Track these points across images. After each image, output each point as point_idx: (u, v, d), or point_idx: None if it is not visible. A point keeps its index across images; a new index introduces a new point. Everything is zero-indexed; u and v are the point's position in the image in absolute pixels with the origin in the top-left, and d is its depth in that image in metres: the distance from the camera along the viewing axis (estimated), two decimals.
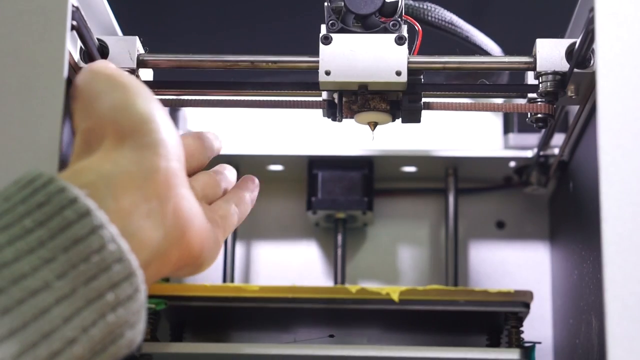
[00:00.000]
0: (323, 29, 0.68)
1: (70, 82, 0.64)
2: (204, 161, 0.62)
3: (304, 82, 0.70)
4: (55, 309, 0.41)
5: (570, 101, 0.71)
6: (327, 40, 0.67)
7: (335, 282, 0.88)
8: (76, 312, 0.41)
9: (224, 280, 0.87)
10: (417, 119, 0.72)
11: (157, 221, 0.47)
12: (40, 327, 0.40)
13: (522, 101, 0.78)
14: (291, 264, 0.92)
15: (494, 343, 0.78)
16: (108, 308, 0.42)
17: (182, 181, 0.50)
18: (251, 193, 0.64)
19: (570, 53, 0.68)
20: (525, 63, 0.69)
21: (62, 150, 0.60)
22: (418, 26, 0.70)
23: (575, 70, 0.67)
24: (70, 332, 0.41)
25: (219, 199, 0.61)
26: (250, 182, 0.64)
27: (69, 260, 0.42)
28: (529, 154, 0.88)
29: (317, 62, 0.67)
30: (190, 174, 0.61)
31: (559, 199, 0.87)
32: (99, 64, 0.55)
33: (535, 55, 0.69)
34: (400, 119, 0.72)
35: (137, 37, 0.71)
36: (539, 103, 0.71)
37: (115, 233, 0.43)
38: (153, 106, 0.51)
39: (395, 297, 0.69)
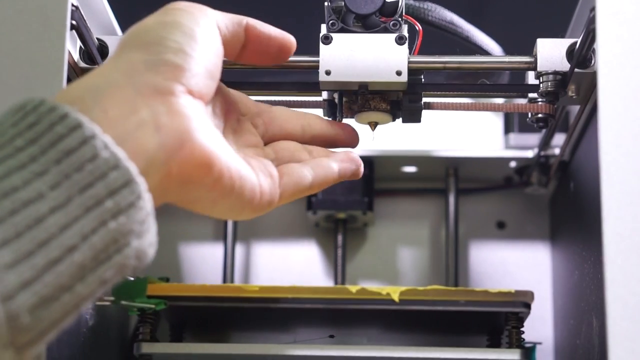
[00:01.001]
0: (323, 29, 0.68)
1: (69, 81, 0.64)
2: (299, 137, 0.61)
3: (304, 82, 0.70)
4: (51, 218, 0.40)
5: (571, 101, 0.71)
6: (327, 40, 0.67)
7: (336, 282, 0.88)
8: (74, 220, 0.40)
9: (224, 281, 0.87)
10: (417, 119, 0.72)
11: (149, 130, 0.45)
12: (35, 236, 0.39)
13: (523, 101, 0.78)
14: (291, 264, 0.92)
15: (495, 343, 0.78)
16: (108, 215, 0.41)
17: (189, 104, 0.48)
18: (340, 163, 0.60)
19: (571, 53, 0.68)
20: (526, 63, 0.69)
21: None
22: (418, 26, 0.70)
23: (576, 70, 0.67)
24: (68, 240, 0.40)
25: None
26: (346, 156, 0.60)
27: (61, 171, 0.41)
28: (530, 154, 0.88)
29: (317, 62, 0.67)
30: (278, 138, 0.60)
31: (559, 199, 0.87)
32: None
33: (535, 55, 0.69)
34: (400, 118, 0.72)
35: None
36: (540, 103, 0.71)
37: (109, 142, 0.42)
38: (182, 40, 0.49)
39: (395, 297, 0.69)
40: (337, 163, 0.59)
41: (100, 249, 0.41)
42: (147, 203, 0.43)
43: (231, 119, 0.58)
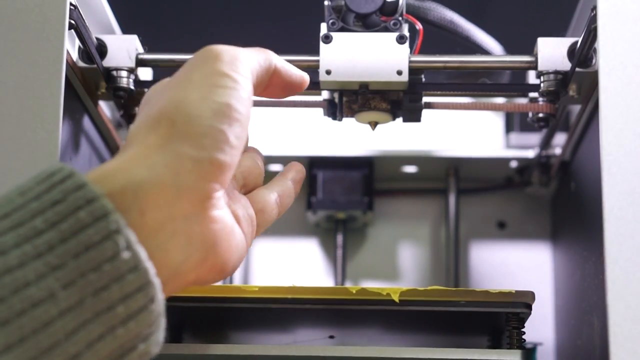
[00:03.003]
0: (323, 28, 0.68)
1: (68, 81, 0.64)
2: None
3: None
4: (58, 322, 0.38)
5: (571, 101, 0.71)
6: (327, 39, 0.67)
7: (336, 283, 0.88)
8: (81, 326, 0.39)
9: (224, 281, 0.87)
10: (417, 119, 0.71)
11: (180, 242, 0.44)
12: (40, 342, 0.38)
13: (524, 100, 0.77)
14: (291, 264, 0.91)
15: (495, 344, 0.77)
16: (118, 321, 0.40)
17: (218, 203, 0.46)
18: (295, 182, 0.58)
19: (572, 52, 0.68)
20: (527, 62, 0.69)
21: (61, 150, 0.60)
22: (419, 25, 0.70)
23: (577, 69, 0.67)
24: (73, 348, 0.38)
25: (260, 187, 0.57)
26: (294, 169, 0.59)
27: (78, 267, 0.39)
28: (531, 153, 0.88)
29: (318, 61, 0.67)
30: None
31: (560, 199, 0.87)
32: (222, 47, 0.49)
33: (536, 54, 0.68)
34: (400, 118, 0.72)
35: (136, 36, 0.70)
36: (541, 102, 0.71)
37: (133, 240, 0.40)
38: (230, 130, 0.46)
39: (395, 297, 0.69)
40: (293, 182, 0.58)
41: (104, 356, 0.39)
42: (160, 305, 0.41)
43: None
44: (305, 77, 0.57)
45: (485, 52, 0.79)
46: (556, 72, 0.68)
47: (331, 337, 0.75)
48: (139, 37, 0.71)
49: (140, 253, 0.40)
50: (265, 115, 0.91)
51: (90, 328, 0.39)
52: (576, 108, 0.77)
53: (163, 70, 0.72)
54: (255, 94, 0.52)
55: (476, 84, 0.76)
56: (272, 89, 0.55)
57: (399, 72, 0.66)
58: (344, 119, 0.71)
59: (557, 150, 0.85)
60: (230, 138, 0.46)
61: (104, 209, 0.40)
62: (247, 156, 0.56)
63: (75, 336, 0.39)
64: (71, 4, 0.62)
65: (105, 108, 0.76)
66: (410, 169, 0.91)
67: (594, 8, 0.62)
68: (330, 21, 0.68)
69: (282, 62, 0.54)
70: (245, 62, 0.49)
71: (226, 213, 0.48)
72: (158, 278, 0.41)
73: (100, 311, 0.39)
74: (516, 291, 0.70)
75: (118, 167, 0.43)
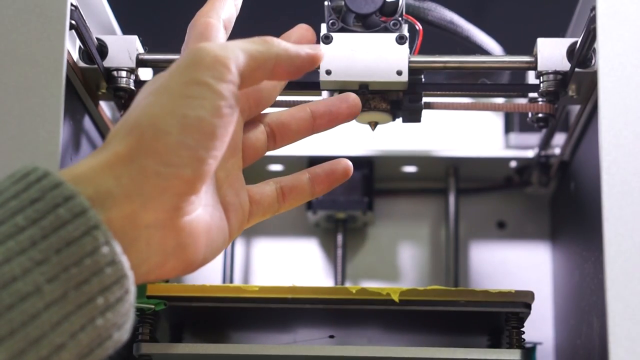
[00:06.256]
0: (323, 28, 0.68)
1: (69, 81, 0.64)
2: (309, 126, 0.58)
3: (304, 81, 0.69)
4: (45, 315, 0.40)
5: (571, 101, 0.71)
6: (327, 39, 0.67)
7: (336, 283, 0.88)
8: (65, 317, 0.40)
9: (224, 281, 0.87)
10: (417, 119, 0.72)
11: (140, 246, 0.45)
12: (29, 334, 0.39)
13: (523, 101, 0.78)
14: (291, 264, 0.91)
15: (495, 344, 0.77)
16: (97, 312, 0.41)
17: (188, 209, 0.47)
18: (315, 179, 0.58)
19: (571, 52, 0.68)
20: (526, 62, 0.69)
21: (62, 150, 0.60)
22: (419, 25, 0.70)
23: (577, 69, 0.67)
24: (58, 338, 0.40)
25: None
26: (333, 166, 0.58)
27: (60, 262, 0.41)
28: (530, 153, 0.88)
29: None
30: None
31: (560, 199, 0.87)
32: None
33: (536, 54, 0.69)
34: (400, 118, 0.72)
35: (136, 37, 0.71)
36: (540, 103, 0.71)
37: (109, 235, 0.42)
38: (201, 143, 0.46)
39: (395, 297, 0.69)
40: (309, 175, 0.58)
41: (85, 345, 0.41)
42: (132, 295, 0.43)
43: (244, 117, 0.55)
44: (317, 54, 0.54)
45: (485, 52, 0.79)
46: (556, 73, 0.68)
47: (331, 337, 0.75)
48: (139, 37, 0.71)
49: (116, 247, 0.42)
50: None
51: (73, 319, 0.41)
52: (576, 108, 0.77)
53: (163, 71, 0.72)
54: (256, 83, 0.51)
55: (476, 84, 0.77)
56: (277, 76, 0.53)
57: (399, 72, 0.66)
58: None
59: (557, 151, 0.85)
60: (198, 153, 0.46)
61: (82, 205, 0.42)
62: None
63: (60, 327, 0.40)
64: (72, 5, 0.62)
65: (105, 108, 0.76)
66: (410, 169, 0.91)
67: (594, 8, 0.62)
68: (330, 21, 0.68)
69: (286, 52, 0.52)
70: (231, 65, 0.47)
71: (198, 216, 0.49)
72: (131, 270, 0.43)
73: (81, 303, 0.41)
74: (516, 291, 0.70)
75: (87, 174, 0.44)
